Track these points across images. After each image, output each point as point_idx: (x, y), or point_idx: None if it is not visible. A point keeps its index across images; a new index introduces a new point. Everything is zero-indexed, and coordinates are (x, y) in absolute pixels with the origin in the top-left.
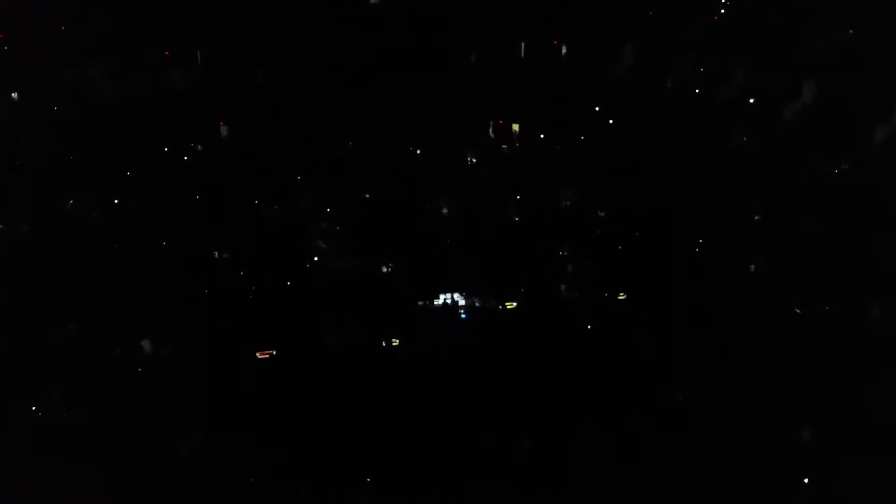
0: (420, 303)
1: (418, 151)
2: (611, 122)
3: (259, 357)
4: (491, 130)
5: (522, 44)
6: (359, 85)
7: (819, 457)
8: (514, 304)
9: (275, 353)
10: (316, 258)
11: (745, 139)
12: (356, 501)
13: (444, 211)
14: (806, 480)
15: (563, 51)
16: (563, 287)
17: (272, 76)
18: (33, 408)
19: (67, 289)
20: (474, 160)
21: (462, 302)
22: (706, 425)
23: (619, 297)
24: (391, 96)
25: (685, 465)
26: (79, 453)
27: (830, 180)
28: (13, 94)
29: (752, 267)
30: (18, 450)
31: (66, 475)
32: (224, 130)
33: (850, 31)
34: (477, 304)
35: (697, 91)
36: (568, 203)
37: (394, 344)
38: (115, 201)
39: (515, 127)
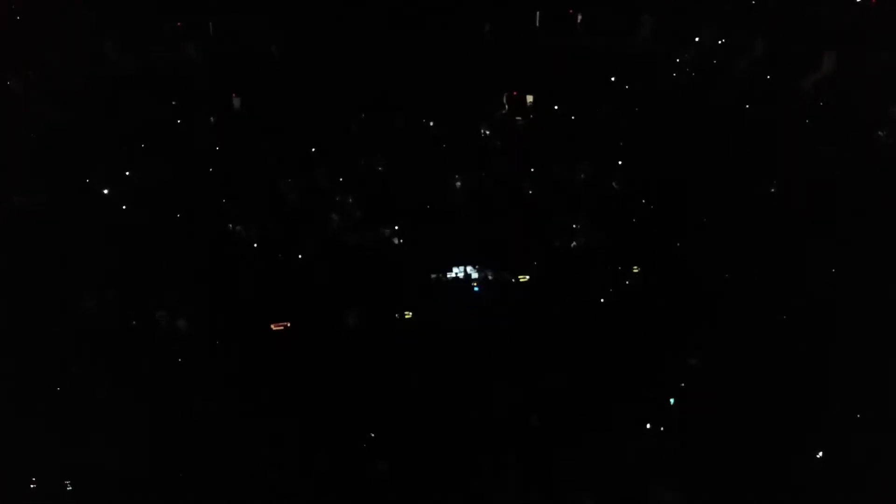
0: (433, 276)
1: (431, 123)
2: (627, 93)
3: (274, 329)
4: (505, 102)
5: (537, 13)
6: (371, 56)
7: (835, 440)
8: (528, 277)
9: (289, 325)
10: (329, 231)
11: (764, 111)
12: (369, 473)
13: (458, 184)
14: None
15: (579, 20)
16: (576, 260)
17: (285, 48)
18: (49, 380)
19: (83, 261)
20: (488, 132)
21: (475, 275)
22: (721, 401)
23: (634, 271)
24: (404, 68)
25: (698, 440)
26: (95, 424)
27: (852, 155)
28: (26, 67)
29: (770, 241)
30: (33, 420)
31: (81, 446)
32: (237, 102)
33: (874, 1)
34: (490, 278)
35: (715, 62)
36: (582, 175)
37: (406, 317)
38: (128, 174)
39: (530, 98)
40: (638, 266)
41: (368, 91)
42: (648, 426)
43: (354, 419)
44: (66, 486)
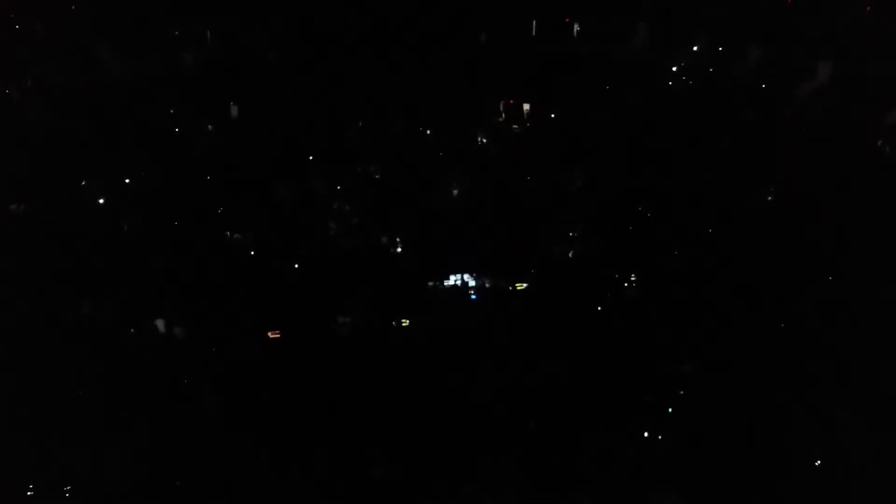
0: (430, 283)
1: (428, 132)
2: (623, 101)
3: (271, 336)
4: (501, 110)
5: (534, 22)
6: (369, 64)
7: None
8: (525, 284)
9: (286, 332)
10: (327, 239)
11: (758, 119)
12: (366, 477)
13: (455, 192)
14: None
15: (576, 29)
16: (573, 268)
17: (282, 56)
18: (46, 384)
19: (80, 268)
20: (485, 140)
21: (472, 283)
22: (718, 407)
23: (630, 279)
24: (401, 76)
25: (695, 444)
26: (92, 429)
27: (846, 161)
28: (25, 76)
29: (767, 248)
30: (34, 424)
31: (79, 449)
32: (234, 110)
33: (868, 8)
34: (487, 285)
35: (711, 70)
36: (579, 183)
37: (403, 325)
38: (126, 181)
39: (526, 106)
40: (635, 274)
41: (365, 99)
42: (646, 433)
43: (351, 425)
44: (65, 489)
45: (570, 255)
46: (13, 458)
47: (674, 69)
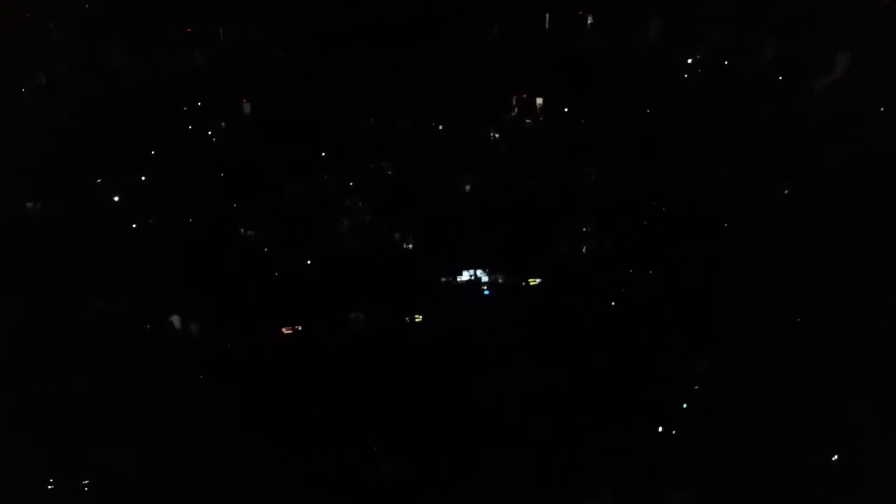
0: (443, 279)
1: (440, 127)
2: (636, 96)
3: (284, 333)
4: (514, 105)
5: (547, 15)
6: (380, 60)
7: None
8: (538, 280)
9: (299, 328)
10: (339, 236)
11: (774, 115)
12: (379, 474)
13: (467, 187)
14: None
15: (589, 22)
16: (587, 264)
17: (293, 52)
18: (63, 382)
19: (95, 266)
20: (497, 135)
21: (485, 279)
22: (732, 404)
23: (645, 275)
24: (412, 71)
25: (708, 441)
26: (107, 429)
27: (864, 157)
28: (38, 75)
29: (782, 245)
30: (45, 424)
31: (93, 449)
32: (247, 108)
33: (888, 1)
34: (500, 281)
35: (725, 64)
36: (592, 178)
37: (417, 321)
38: (142, 178)
39: (539, 101)
40: (650, 270)
41: (377, 95)
42: (660, 429)
43: (364, 421)
44: (82, 485)
45: (583, 250)
46: (27, 455)
47: (689, 61)
